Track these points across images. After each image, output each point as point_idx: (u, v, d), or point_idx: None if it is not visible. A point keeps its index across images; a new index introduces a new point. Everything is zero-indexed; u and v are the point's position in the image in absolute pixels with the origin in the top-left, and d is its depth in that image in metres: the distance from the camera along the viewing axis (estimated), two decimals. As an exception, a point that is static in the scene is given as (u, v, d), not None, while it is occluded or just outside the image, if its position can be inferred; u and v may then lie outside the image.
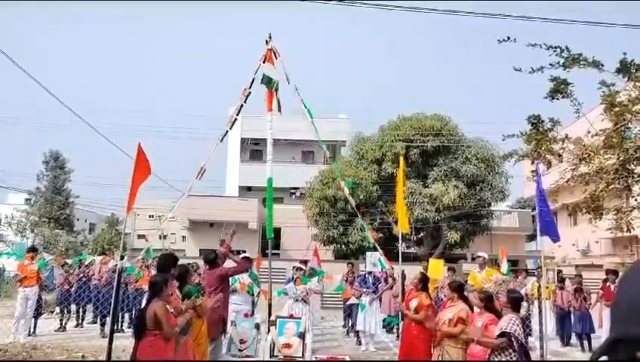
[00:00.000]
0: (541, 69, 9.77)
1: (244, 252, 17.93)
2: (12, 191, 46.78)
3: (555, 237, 8.39)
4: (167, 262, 6.23)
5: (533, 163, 11.48)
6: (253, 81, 9.63)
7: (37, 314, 12.15)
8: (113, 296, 7.53)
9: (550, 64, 9.69)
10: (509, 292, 6.29)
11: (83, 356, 9.31)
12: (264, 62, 9.49)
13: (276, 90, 9.51)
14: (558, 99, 10.42)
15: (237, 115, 10.15)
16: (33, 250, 12.31)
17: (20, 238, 35.11)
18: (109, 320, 9.46)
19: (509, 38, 9.59)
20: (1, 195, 51.95)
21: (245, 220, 30.86)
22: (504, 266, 12.97)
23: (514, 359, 5.61)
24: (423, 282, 7.52)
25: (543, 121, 11.12)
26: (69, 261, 14.59)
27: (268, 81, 9.32)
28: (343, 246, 24.38)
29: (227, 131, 9.92)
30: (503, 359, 5.62)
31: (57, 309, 13.43)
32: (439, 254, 23.42)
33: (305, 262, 11.91)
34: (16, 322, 11.05)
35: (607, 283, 12.37)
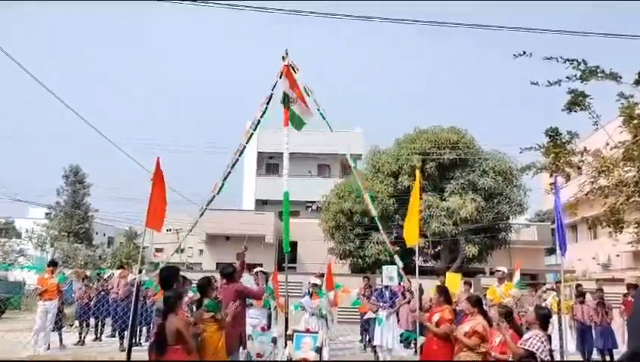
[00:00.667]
0: (558, 82, 9.74)
1: (261, 266, 17.95)
2: (32, 206, 47.51)
3: (562, 251, 8.28)
4: (169, 274, 6.25)
5: (551, 175, 11.40)
6: (270, 96, 9.73)
7: (59, 327, 12.29)
8: (132, 309, 7.59)
9: (567, 77, 9.66)
10: (537, 309, 6.22)
11: (102, 369, 9.37)
12: (280, 77, 9.60)
13: (290, 103, 9.60)
14: (575, 111, 10.37)
15: (254, 129, 10.25)
16: (53, 263, 12.47)
17: (39, 252, 35.55)
18: (127, 333, 9.53)
19: (524, 52, 9.60)
20: (21, 210, 52.74)
21: (262, 234, 30.92)
22: (516, 279, 12.84)
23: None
24: (444, 294, 7.46)
25: (560, 134, 11.06)
26: (88, 272, 14.75)
27: (284, 99, 9.43)
28: (360, 260, 24.27)
29: (244, 146, 10.01)
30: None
31: (76, 323, 13.56)
32: (457, 268, 23.21)
33: (321, 276, 11.90)
34: (36, 335, 11.17)
35: (629, 298, 12.16)
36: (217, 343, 6.29)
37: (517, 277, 12.87)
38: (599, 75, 9.42)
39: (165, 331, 5.22)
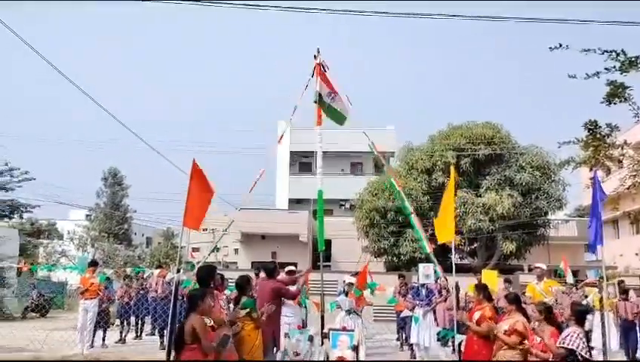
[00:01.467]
0: (597, 75, 9.49)
1: (295, 265, 18.02)
2: (73, 208, 48.80)
3: (594, 247, 8.03)
4: (206, 273, 6.31)
5: (591, 170, 11.13)
6: (302, 95, 9.78)
7: (104, 326, 12.62)
8: (171, 308, 7.71)
9: (606, 68, 9.40)
10: (574, 305, 6.13)
11: (143, 367, 9.57)
12: (313, 75, 9.63)
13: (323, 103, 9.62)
14: (615, 103, 10.08)
15: (284, 131, 10.33)
16: (94, 263, 12.77)
17: (81, 253, 36.52)
18: (166, 332, 9.70)
19: (560, 45, 9.38)
20: (63, 212, 54.22)
21: (296, 233, 31.08)
22: (569, 277, 12.54)
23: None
24: (484, 292, 7.35)
25: (600, 127, 10.78)
26: (128, 270, 15.08)
27: (319, 99, 9.45)
28: (394, 258, 24.16)
29: (277, 146, 10.07)
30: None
31: (117, 321, 13.89)
32: (494, 265, 22.88)
33: (356, 275, 11.88)
34: (79, 333, 11.49)
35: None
36: (254, 342, 6.35)
37: (570, 275, 12.58)
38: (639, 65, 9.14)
39: (184, 330, 5.26)
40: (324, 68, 9.73)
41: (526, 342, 6.25)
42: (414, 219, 10.37)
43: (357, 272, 12.40)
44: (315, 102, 9.61)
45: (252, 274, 12.07)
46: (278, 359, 7.79)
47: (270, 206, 37.25)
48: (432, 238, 20.89)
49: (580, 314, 5.89)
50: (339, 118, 9.81)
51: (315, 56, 9.79)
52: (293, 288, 8.56)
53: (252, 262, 27.62)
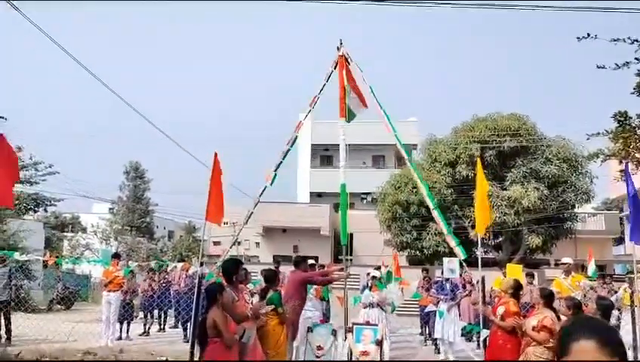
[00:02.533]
0: (627, 64, 9.23)
1: (316, 259, 17.97)
2: (97, 201, 49.42)
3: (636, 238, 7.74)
4: (231, 267, 6.29)
5: (621, 162, 10.83)
6: (323, 87, 9.65)
7: (129, 318, 12.74)
8: (194, 301, 7.70)
9: (636, 58, 9.14)
10: (599, 299, 5.97)
11: (166, 359, 9.60)
12: (335, 67, 9.49)
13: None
14: (646, 93, 9.81)
15: (304, 119, 10.22)
16: (117, 256, 12.86)
17: (104, 246, 37.00)
18: (189, 325, 9.72)
19: (589, 34, 9.12)
20: (86, 205, 54.97)
21: (317, 226, 31.02)
22: (591, 269, 12.28)
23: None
24: (515, 288, 7.15)
25: (630, 118, 10.48)
26: (152, 263, 15.19)
27: (343, 90, 9.32)
28: (417, 252, 23.95)
29: (296, 136, 9.97)
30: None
31: (141, 314, 14.00)
32: (519, 259, 22.53)
33: (379, 268, 11.77)
34: (104, 325, 11.60)
35: None
36: (279, 337, 6.31)
37: (592, 267, 12.32)
38: (669, 55, 8.87)
39: (205, 324, 5.26)
40: (347, 60, 9.58)
41: (554, 339, 6.09)
42: (437, 213, 10.17)
43: (379, 266, 12.28)
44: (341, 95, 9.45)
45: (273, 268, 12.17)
46: (300, 352, 7.75)
47: (291, 199, 37.27)
48: (457, 232, 20.74)
49: (605, 308, 5.75)
50: (348, 114, 9.67)
51: (338, 47, 9.64)
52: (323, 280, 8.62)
53: (273, 256, 27.62)
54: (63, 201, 34.96)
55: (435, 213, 9.32)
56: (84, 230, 44.72)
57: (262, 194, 9.94)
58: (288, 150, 9.90)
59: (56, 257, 16.38)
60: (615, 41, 9.18)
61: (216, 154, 9.63)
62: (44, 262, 16.97)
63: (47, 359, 9.17)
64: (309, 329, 7.94)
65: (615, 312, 10.03)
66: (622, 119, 10.66)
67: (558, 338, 1.69)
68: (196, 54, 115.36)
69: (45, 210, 28.45)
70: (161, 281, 14.12)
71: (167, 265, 14.16)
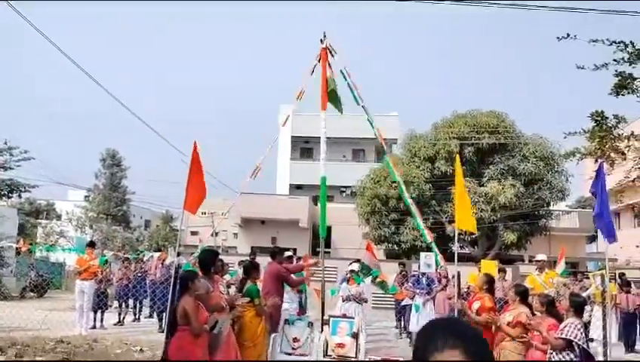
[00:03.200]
0: (605, 66, 9.36)
1: (295, 251, 17.91)
2: (72, 189, 48.70)
3: (612, 238, 7.89)
4: (208, 258, 6.26)
5: (596, 161, 10.99)
6: (310, 80, 9.64)
7: (103, 307, 12.61)
8: (170, 292, 7.65)
9: (614, 60, 9.28)
10: (572, 296, 6.09)
11: (141, 349, 9.53)
12: (319, 60, 9.46)
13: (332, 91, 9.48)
14: (623, 94, 9.97)
15: (289, 114, 10.19)
16: (92, 244, 12.70)
17: (79, 234, 36.51)
18: (165, 315, 9.65)
19: (568, 35, 9.24)
20: (61, 192, 54.13)
21: (296, 218, 31.01)
22: (560, 267, 12.48)
23: (575, 363, 5.45)
24: (489, 284, 7.27)
25: (607, 118, 10.64)
26: (129, 256, 15.05)
27: (332, 90, 9.30)
28: (395, 246, 24.12)
29: (279, 131, 9.94)
30: (564, 362, 5.47)
31: (116, 303, 13.88)
32: (494, 255, 22.83)
33: (357, 261, 11.82)
34: (78, 314, 11.48)
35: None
36: (256, 329, 6.31)
37: (562, 265, 12.51)
38: (648, 57, 9.02)
39: (176, 312, 5.26)
40: (331, 53, 9.57)
41: (527, 334, 6.20)
42: (414, 209, 10.27)
43: (358, 259, 12.33)
44: (332, 88, 9.43)
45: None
46: (276, 344, 7.76)
47: (270, 191, 37.18)
48: (434, 227, 20.88)
49: (578, 305, 5.89)
50: (340, 106, 9.68)
51: (321, 40, 9.62)
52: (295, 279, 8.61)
53: (252, 247, 27.54)
54: (37, 188, 34.31)
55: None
56: (58, 217, 44.07)
57: (243, 188, 9.92)
58: (271, 145, 9.88)
59: (30, 244, 16.14)
60: (594, 42, 9.30)
61: (195, 144, 9.56)
62: (17, 248, 16.71)
63: (19, 347, 9.02)
64: (286, 322, 7.95)
65: (587, 307, 10.23)
66: (598, 119, 10.81)
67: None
68: (175, 42, 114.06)
69: (19, 196, 27.89)
70: (137, 271, 14.00)
71: (144, 255, 14.04)
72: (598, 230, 7.64)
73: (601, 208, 7.51)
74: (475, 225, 9.14)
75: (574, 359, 5.48)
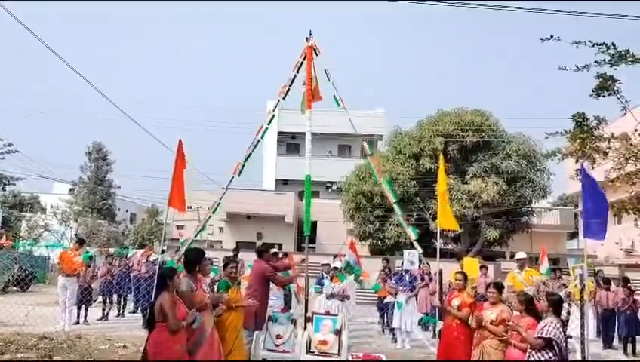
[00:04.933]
0: (587, 67, 9.52)
1: (280, 246, 17.99)
2: (57, 182, 48.23)
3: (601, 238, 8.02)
4: (194, 257, 6.31)
5: (577, 161, 11.18)
6: (294, 78, 9.69)
7: (87, 303, 12.58)
8: (154, 288, 7.69)
9: (596, 62, 9.43)
10: (549, 296, 6.21)
11: (124, 345, 9.55)
12: (304, 58, 9.53)
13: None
14: (604, 96, 10.14)
15: (274, 109, 10.23)
16: (81, 242, 12.57)
17: (64, 228, 36.19)
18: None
19: (552, 36, 9.38)
20: (46, 185, 53.61)
21: (282, 214, 31.09)
22: (544, 266, 12.68)
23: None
24: (465, 279, 7.51)
25: (587, 119, 10.83)
26: (112, 250, 15.00)
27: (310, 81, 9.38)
28: (379, 242, 24.29)
29: (266, 128, 9.98)
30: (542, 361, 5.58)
31: (100, 299, 13.85)
32: (477, 252, 23.10)
33: (337, 256, 11.93)
34: (61, 310, 11.45)
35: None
36: (225, 322, 6.38)
37: (545, 264, 12.70)
38: (629, 59, 9.18)
39: (154, 308, 5.32)
40: (315, 52, 9.64)
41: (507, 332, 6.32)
42: (396, 207, 10.43)
43: (336, 255, 12.45)
44: (307, 85, 9.50)
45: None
46: (260, 341, 7.84)
47: (256, 186, 37.16)
48: (418, 224, 21.03)
49: (556, 303, 5.99)
50: (301, 106, 9.79)
51: (307, 38, 9.68)
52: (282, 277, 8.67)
53: (237, 242, 27.60)
54: (22, 181, 34.00)
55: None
56: (43, 211, 43.66)
57: (229, 184, 9.95)
58: (258, 141, 9.90)
59: (13, 238, 16.03)
60: (577, 43, 9.44)
61: (180, 141, 9.59)
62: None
63: (1, 344, 9.00)
64: (269, 318, 8.03)
65: (565, 305, 10.42)
66: (580, 120, 10.99)
67: None
68: (163, 36, 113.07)
69: (3, 189, 27.67)
70: (121, 266, 13.99)
71: (128, 252, 14.02)
72: (585, 228, 7.71)
73: (595, 207, 7.56)
74: (456, 224, 9.28)
75: (553, 358, 5.59)
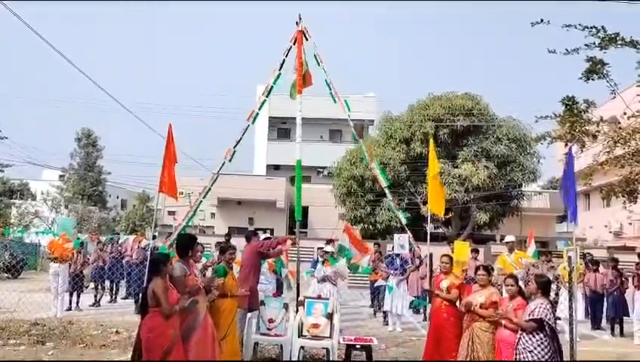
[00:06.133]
0: (576, 50, 9.53)
1: (272, 231, 17.94)
2: (46, 168, 47.91)
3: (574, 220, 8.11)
4: (186, 242, 6.32)
5: (566, 145, 11.25)
6: (283, 62, 9.65)
7: (79, 289, 12.58)
8: (146, 274, 7.70)
9: (586, 45, 9.44)
10: (537, 277, 6.25)
11: (117, 331, 9.58)
12: (295, 43, 9.48)
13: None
14: (593, 79, 10.17)
15: (266, 96, 10.18)
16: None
17: (54, 214, 36.04)
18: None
19: (542, 20, 9.37)
20: (35, 172, 53.25)
21: (273, 199, 31.10)
22: (531, 249, 12.81)
23: (544, 343, 5.63)
24: (451, 262, 7.59)
25: (577, 103, 10.87)
26: (103, 238, 14.96)
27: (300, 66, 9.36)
28: (371, 226, 24.40)
29: (257, 114, 9.95)
30: (533, 342, 5.65)
31: (92, 285, 13.84)
32: (467, 235, 23.26)
33: (331, 241, 11.99)
34: (53, 296, 11.45)
35: (641, 267, 12.15)
36: (220, 308, 6.42)
37: (532, 247, 12.82)
38: (619, 42, 9.19)
39: (147, 294, 5.33)
40: (305, 36, 9.59)
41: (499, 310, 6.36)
42: (387, 192, 10.49)
43: (330, 240, 12.49)
44: (297, 70, 9.48)
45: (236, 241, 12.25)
46: (252, 325, 7.89)
47: (248, 171, 37.11)
48: (409, 208, 21.11)
49: (544, 285, 6.04)
50: (291, 91, 9.77)
51: (297, 22, 9.62)
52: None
53: (229, 227, 27.62)
54: (11, 167, 33.70)
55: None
56: (33, 197, 43.40)
57: (220, 169, 9.94)
58: (248, 126, 9.87)
59: (3, 225, 15.95)
60: (567, 27, 9.42)
61: (170, 126, 9.52)
62: (-10, 231, 16.49)
63: (-7, 330, 9.00)
64: (261, 303, 8.08)
65: (553, 287, 10.55)
66: (569, 103, 11.01)
67: None
68: (152, 21, 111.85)
69: (-7, 176, 27.42)
70: (113, 252, 13.97)
71: (119, 238, 13.97)
72: (567, 209, 7.82)
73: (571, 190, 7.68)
74: (442, 209, 9.31)
75: (543, 338, 5.67)
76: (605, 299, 12.58)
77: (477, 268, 7.12)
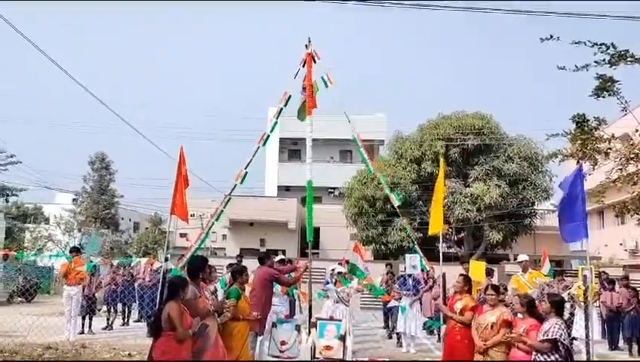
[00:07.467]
0: (586, 67, 9.53)
1: (284, 252, 17.94)
2: (60, 192, 48.26)
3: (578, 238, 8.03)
4: (197, 265, 6.33)
5: (578, 162, 11.20)
6: (294, 84, 9.77)
7: (92, 312, 12.57)
8: (158, 296, 7.72)
9: (596, 62, 9.45)
10: (550, 297, 6.19)
11: (129, 354, 9.56)
12: (304, 65, 9.59)
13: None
14: (604, 97, 10.15)
15: (277, 118, 10.28)
16: (77, 250, 12.46)
17: (67, 238, 36.22)
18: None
19: (552, 36, 9.40)
20: (49, 196, 53.73)
21: (284, 220, 31.10)
22: (545, 268, 12.67)
23: (559, 362, 5.55)
24: (469, 285, 7.44)
25: (588, 120, 10.84)
26: (115, 262, 14.99)
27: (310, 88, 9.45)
28: (382, 247, 24.29)
29: (268, 136, 10.04)
30: (548, 362, 5.58)
31: (104, 308, 13.85)
32: (480, 255, 23.09)
33: (341, 263, 11.95)
34: (66, 320, 11.45)
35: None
36: (233, 331, 6.39)
37: (546, 266, 12.69)
38: (629, 59, 9.19)
39: (161, 316, 5.32)
40: (314, 59, 9.70)
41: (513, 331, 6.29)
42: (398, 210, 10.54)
43: (346, 261, 12.44)
44: (307, 91, 9.57)
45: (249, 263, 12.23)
46: (264, 347, 7.85)
47: (259, 193, 37.23)
48: (421, 227, 21.01)
49: (558, 304, 5.98)
50: (301, 114, 9.84)
51: (306, 45, 9.74)
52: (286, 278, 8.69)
53: (240, 249, 27.65)
54: (25, 191, 34.11)
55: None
56: (46, 221, 43.71)
57: (232, 192, 9.99)
58: (258, 148, 9.95)
59: (17, 250, 16.05)
60: (576, 43, 9.44)
61: (182, 149, 9.64)
62: (3, 255, 16.60)
63: (6, 354, 9.02)
64: (274, 325, 8.05)
65: (567, 305, 10.41)
66: (580, 121, 10.99)
67: None
68: (164, 45, 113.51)
69: (7, 200, 27.72)
70: (125, 275, 13.99)
71: (131, 261, 14.00)
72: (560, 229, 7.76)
73: (574, 208, 7.63)
74: (440, 228, 9.32)
75: (559, 359, 5.58)
76: (622, 319, 12.37)
77: (486, 288, 7.06)
